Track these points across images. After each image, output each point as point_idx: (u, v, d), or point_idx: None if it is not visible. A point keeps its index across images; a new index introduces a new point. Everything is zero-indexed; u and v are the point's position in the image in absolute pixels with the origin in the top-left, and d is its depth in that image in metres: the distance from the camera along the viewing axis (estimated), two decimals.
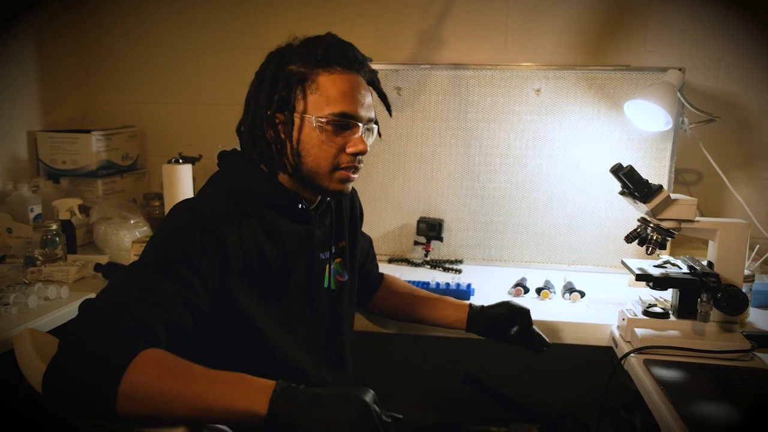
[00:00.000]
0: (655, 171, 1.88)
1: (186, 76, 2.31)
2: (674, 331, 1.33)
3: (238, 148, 1.21)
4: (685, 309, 1.35)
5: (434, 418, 2.30)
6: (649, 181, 1.31)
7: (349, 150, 1.12)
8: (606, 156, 1.89)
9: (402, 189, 2.02)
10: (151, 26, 2.30)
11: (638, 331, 1.33)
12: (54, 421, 1.20)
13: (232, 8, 2.24)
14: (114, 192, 2.17)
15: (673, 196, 1.32)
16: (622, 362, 1.30)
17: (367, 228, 1.50)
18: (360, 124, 1.13)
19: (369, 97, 1.16)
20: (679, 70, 1.78)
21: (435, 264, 1.97)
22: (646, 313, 1.37)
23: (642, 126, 1.83)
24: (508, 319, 1.37)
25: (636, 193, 1.32)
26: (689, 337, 1.31)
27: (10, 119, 2.07)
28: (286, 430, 0.81)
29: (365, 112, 1.13)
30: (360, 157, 1.14)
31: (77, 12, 2.31)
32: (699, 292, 1.30)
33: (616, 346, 1.40)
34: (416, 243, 2.01)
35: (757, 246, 1.74)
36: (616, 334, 1.43)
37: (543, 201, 1.96)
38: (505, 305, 1.40)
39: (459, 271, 1.92)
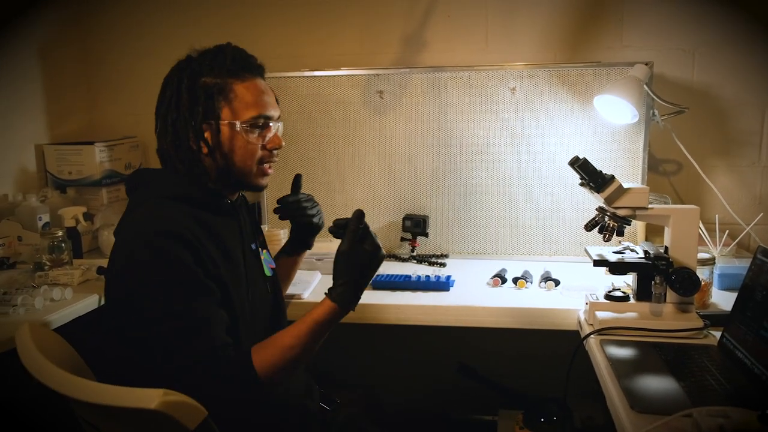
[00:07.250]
0: (630, 162, 1.95)
1: None
2: (632, 312, 1.40)
3: None
4: (642, 292, 1.42)
5: (426, 409, 2.37)
6: (603, 172, 1.39)
7: (270, 146, 1.27)
8: (581, 150, 1.96)
9: (388, 188, 2.12)
10: (152, 40, 2.40)
11: (599, 314, 1.41)
12: (60, 417, 1.30)
13: (232, 23, 2.34)
14: (118, 200, 2.29)
15: (626, 185, 1.39)
16: (584, 343, 1.38)
17: None
18: (272, 123, 1.27)
19: (274, 97, 1.29)
20: (646, 64, 1.84)
21: (421, 259, 2.06)
22: (607, 297, 1.45)
23: (611, 120, 1.90)
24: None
25: (591, 184, 1.40)
26: (646, 318, 1.38)
27: (19, 134, 2.20)
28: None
29: (274, 111, 1.28)
30: (276, 150, 1.29)
31: (80, 28, 2.44)
32: (653, 275, 1.37)
33: (581, 328, 1.48)
34: (403, 239, 2.10)
35: (727, 231, 1.79)
36: (582, 317, 1.50)
37: (523, 195, 2.04)
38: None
39: (443, 265, 2.01)
